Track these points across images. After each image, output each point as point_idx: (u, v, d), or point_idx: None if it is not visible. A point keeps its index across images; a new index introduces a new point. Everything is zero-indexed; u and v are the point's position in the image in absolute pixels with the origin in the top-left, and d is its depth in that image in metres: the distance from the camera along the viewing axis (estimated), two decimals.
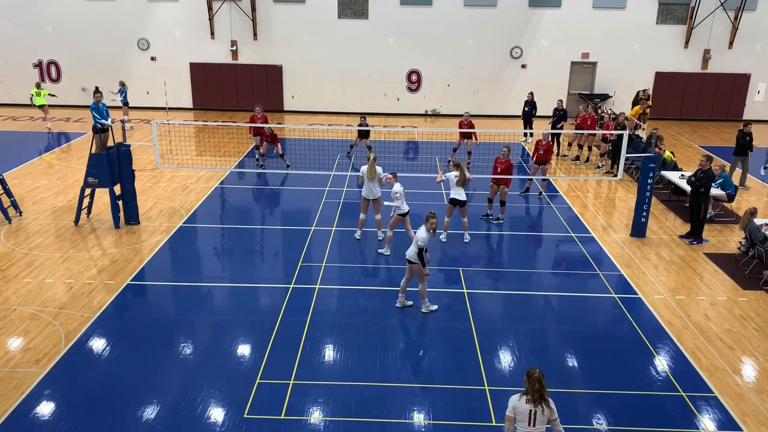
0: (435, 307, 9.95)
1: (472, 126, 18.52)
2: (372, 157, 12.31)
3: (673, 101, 26.19)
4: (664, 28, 25.50)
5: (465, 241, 12.74)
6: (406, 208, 11.84)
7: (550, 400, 5.78)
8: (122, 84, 23.13)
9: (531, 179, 16.21)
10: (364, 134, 18.88)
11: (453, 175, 12.39)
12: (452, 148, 19.03)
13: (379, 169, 12.21)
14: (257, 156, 18.09)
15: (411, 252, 9.53)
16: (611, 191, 16.78)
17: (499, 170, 13.68)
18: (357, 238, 12.73)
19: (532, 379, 5.72)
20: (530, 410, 5.67)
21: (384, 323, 9.62)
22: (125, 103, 22.93)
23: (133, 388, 7.89)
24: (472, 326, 9.54)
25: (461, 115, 19.25)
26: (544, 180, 16.15)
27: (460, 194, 12.36)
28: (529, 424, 5.68)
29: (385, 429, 7.30)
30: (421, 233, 9.42)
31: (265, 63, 26.28)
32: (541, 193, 16.09)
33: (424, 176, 16.57)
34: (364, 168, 12.25)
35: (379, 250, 12.14)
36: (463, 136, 18.42)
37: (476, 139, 18.72)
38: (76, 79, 26.19)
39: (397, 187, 11.77)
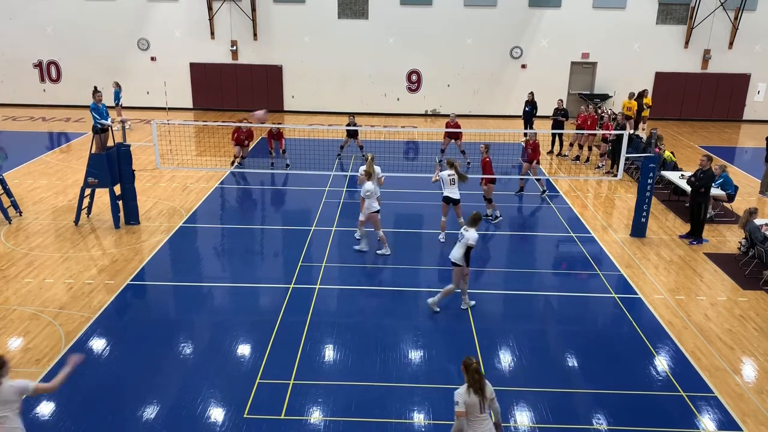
0: (473, 302, 10.10)
1: (458, 127, 18.42)
2: (370, 157, 12.30)
3: (673, 101, 26.19)
4: (664, 28, 25.51)
5: None
6: (377, 206, 11.84)
7: (487, 384, 5.97)
8: (117, 84, 23.00)
9: (523, 179, 16.18)
10: (352, 134, 18.75)
11: (446, 173, 12.42)
12: (440, 149, 19.04)
13: (377, 168, 12.21)
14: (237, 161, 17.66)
15: (458, 254, 9.46)
16: (611, 191, 16.78)
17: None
18: (357, 237, 12.72)
19: (471, 370, 5.88)
20: (478, 400, 5.85)
21: (384, 323, 9.62)
22: (118, 104, 22.80)
23: (133, 388, 7.89)
24: (472, 326, 9.54)
25: (466, 115, 19.28)
26: (538, 179, 16.14)
27: (453, 192, 12.36)
28: (481, 412, 5.87)
29: (385, 429, 7.30)
30: (473, 233, 9.41)
31: (265, 63, 26.28)
32: (543, 191, 16.09)
33: (424, 176, 16.57)
34: (362, 168, 12.25)
35: (378, 252, 12.13)
36: (450, 136, 18.46)
37: (461, 139, 18.73)
38: (76, 79, 26.18)
39: (369, 186, 11.73)
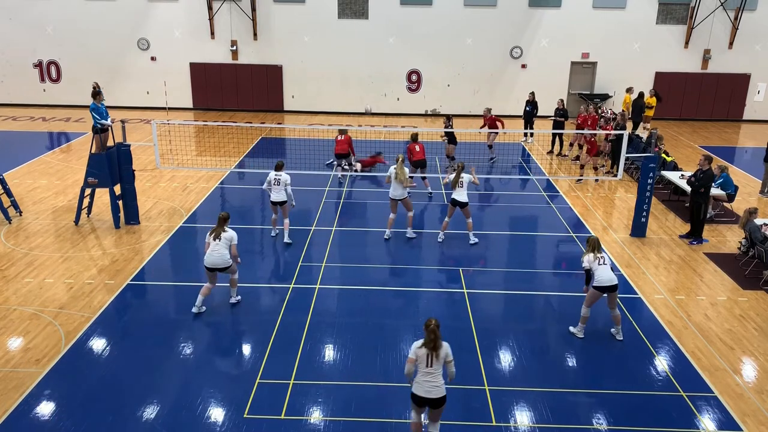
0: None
1: (494, 120, 18.69)
2: (401, 159, 12.41)
3: (673, 101, 26.14)
4: (664, 28, 25.51)
5: (471, 242, 12.66)
6: (277, 198, 12.24)
7: (443, 344, 6.54)
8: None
9: (582, 167, 17.28)
10: (452, 138, 17.73)
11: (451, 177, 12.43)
12: (487, 145, 19.26)
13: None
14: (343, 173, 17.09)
15: (613, 274, 9.03)
16: (611, 191, 16.78)
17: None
18: (386, 237, 12.72)
19: (429, 330, 6.50)
20: (427, 354, 6.47)
21: (384, 323, 9.62)
22: None
23: (133, 388, 7.89)
24: (472, 326, 9.54)
25: (466, 115, 19.27)
26: (595, 169, 17.24)
27: (460, 195, 12.35)
28: (427, 366, 6.50)
29: (385, 429, 7.31)
30: (606, 255, 9.20)
31: (265, 63, 26.28)
32: (597, 179, 17.20)
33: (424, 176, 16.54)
34: (392, 169, 12.34)
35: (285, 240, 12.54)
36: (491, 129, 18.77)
37: (503, 126, 19.05)
38: (76, 80, 26.18)
39: (272, 175, 12.27)
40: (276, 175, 12.22)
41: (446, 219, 12.69)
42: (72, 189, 15.46)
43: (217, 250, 9.39)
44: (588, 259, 9.01)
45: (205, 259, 9.49)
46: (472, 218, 12.70)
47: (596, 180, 17.24)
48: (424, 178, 15.75)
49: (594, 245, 9.03)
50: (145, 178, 16.37)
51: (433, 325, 6.51)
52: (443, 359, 6.50)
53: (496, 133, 18.97)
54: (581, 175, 17.10)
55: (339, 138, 16.62)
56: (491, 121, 18.68)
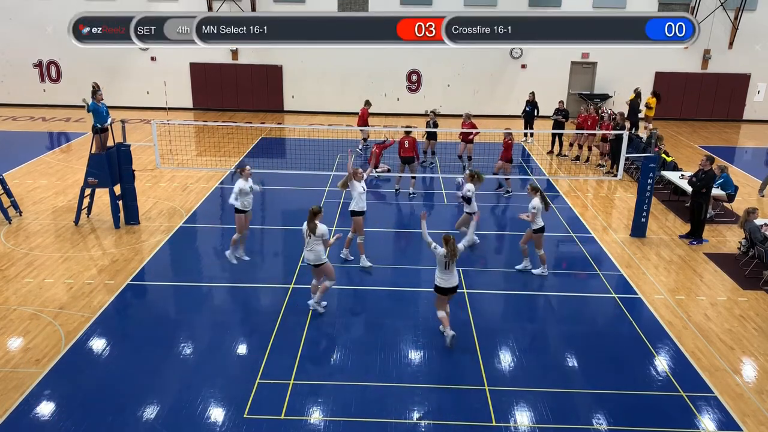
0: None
1: (473, 127, 17.67)
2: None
3: (673, 101, 26.13)
4: None
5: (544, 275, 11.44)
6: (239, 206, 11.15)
7: (458, 254, 8.58)
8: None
9: (508, 179, 15.85)
10: (432, 135, 17.69)
11: (537, 201, 10.95)
12: (467, 157, 17.64)
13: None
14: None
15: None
16: (611, 191, 16.78)
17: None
18: (342, 255, 11.85)
19: (449, 245, 8.43)
20: (446, 262, 8.47)
21: (384, 323, 9.62)
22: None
23: (133, 387, 7.89)
24: (472, 326, 9.53)
25: (462, 115, 19.08)
26: (507, 179, 15.87)
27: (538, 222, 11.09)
28: (445, 268, 8.54)
29: (385, 429, 7.30)
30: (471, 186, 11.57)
31: (265, 63, 26.29)
32: (507, 191, 15.90)
33: (421, 176, 16.56)
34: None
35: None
36: (464, 139, 17.58)
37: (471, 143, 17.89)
38: (76, 80, 26.18)
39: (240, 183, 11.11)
40: None
41: (541, 252, 11.24)
42: (72, 189, 15.46)
43: (311, 247, 9.32)
44: (472, 189, 11.59)
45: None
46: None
47: (507, 192, 15.84)
48: (413, 178, 15.68)
49: (478, 177, 11.66)
50: (145, 178, 16.36)
51: (452, 240, 8.38)
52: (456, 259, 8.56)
53: (472, 141, 17.59)
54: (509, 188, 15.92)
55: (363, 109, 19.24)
56: (471, 126, 17.65)
